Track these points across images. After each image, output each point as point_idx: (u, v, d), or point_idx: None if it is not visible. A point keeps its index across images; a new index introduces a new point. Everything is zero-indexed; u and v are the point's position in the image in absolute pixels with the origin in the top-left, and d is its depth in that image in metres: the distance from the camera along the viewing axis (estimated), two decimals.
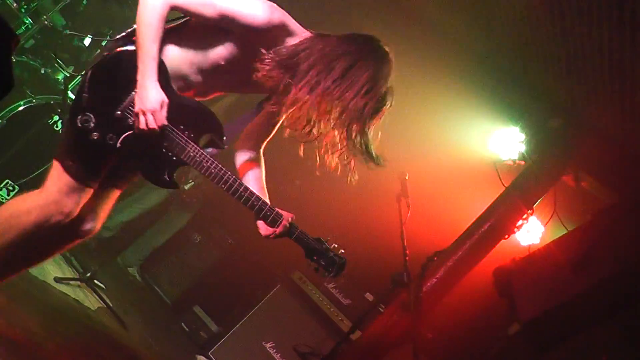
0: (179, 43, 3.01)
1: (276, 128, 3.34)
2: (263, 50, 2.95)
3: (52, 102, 4.91)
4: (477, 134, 5.75)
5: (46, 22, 5.05)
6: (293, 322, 5.88)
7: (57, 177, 3.01)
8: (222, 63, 3.01)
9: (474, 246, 5.39)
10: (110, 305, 5.06)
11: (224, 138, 3.08)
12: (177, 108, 2.96)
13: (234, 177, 3.07)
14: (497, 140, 5.69)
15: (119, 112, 2.91)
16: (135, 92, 2.87)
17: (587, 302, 4.54)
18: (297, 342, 5.76)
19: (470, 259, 5.40)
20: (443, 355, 5.95)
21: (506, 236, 5.44)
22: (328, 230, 6.25)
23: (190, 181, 6.50)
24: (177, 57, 3.00)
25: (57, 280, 4.78)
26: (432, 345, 5.59)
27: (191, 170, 6.51)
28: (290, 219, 3.19)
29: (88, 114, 2.90)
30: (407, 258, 4.76)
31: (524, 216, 5.39)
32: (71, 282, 4.92)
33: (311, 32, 3.09)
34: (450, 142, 5.83)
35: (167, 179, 3.04)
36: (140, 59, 2.84)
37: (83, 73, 3.04)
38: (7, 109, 4.79)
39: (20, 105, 4.82)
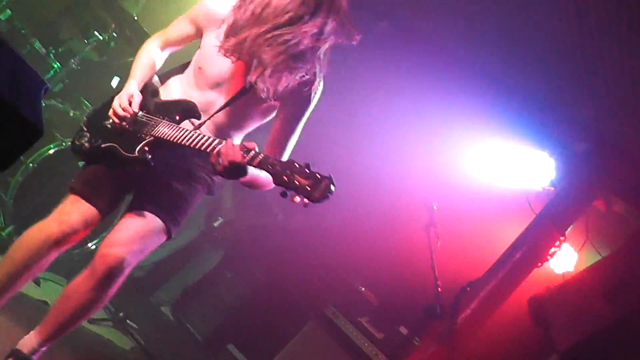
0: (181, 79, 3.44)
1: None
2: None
3: None
4: (506, 161, 5.70)
5: (74, 66, 5.14)
6: (327, 357, 5.82)
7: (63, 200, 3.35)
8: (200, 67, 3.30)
9: (507, 275, 5.32)
10: (143, 344, 5.06)
11: (198, 111, 3.23)
12: (158, 105, 3.30)
13: (193, 132, 3.00)
14: (526, 167, 5.64)
15: (106, 123, 3.30)
16: None
17: (623, 331, 4.46)
18: None
19: (504, 289, 5.33)
20: None
21: (539, 264, 5.37)
22: (358, 264, 6.28)
23: (220, 218, 6.52)
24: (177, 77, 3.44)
25: (91, 321, 4.80)
26: None
27: (222, 208, 6.55)
28: (251, 145, 2.74)
29: (84, 132, 3.36)
30: (439, 289, 4.72)
31: (557, 243, 5.32)
32: (104, 323, 4.94)
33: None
34: (478, 169, 5.79)
35: (136, 155, 3.11)
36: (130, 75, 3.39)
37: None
38: (38, 153, 4.86)
39: (50, 149, 4.90)
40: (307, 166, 2.53)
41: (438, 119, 5.64)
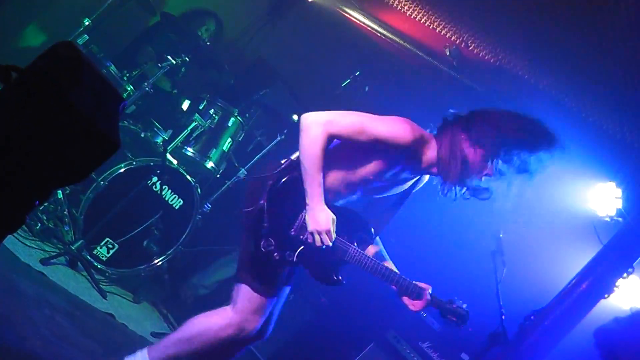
0: (332, 165, 3.50)
1: None
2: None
3: (151, 164, 5.10)
4: (573, 190, 5.61)
5: (147, 89, 5.27)
6: None
7: (249, 299, 3.51)
8: (370, 178, 3.51)
9: (573, 305, 5.21)
10: None
11: (372, 231, 3.65)
12: (336, 217, 3.46)
13: (382, 265, 3.60)
14: (594, 197, 5.54)
15: (292, 232, 3.45)
16: (304, 212, 3.40)
17: None
18: None
19: (569, 319, 5.21)
20: None
21: (606, 296, 5.25)
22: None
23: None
24: (332, 176, 3.51)
25: (154, 335, 4.89)
26: None
27: None
28: (429, 291, 3.71)
29: (270, 239, 3.43)
30: (503, 317, 4.66)
31: (624, 275, 5.20)
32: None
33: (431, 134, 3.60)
34: (545, 198, 5.71)
35: (336, 278, 3.62)
36: (309, 185, 3.36)
37: (258, 206, 3.48)
38: (109, 171, 5.00)
39: (121, 168, 5.04)
40: (458, 306, 3.85)
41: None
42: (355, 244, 3.54)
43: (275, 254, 3.43)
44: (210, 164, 5.62)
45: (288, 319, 6.60)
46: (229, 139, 5.71)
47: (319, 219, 3.34)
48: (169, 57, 5.27)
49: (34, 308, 3.74)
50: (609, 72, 4.71)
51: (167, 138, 5.50)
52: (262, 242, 3.43)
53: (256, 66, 6.55)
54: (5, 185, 1.53)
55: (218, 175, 5.81)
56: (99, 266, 5.00)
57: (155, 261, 5.28)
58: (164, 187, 5.19)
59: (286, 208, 3.48)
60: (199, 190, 5.38)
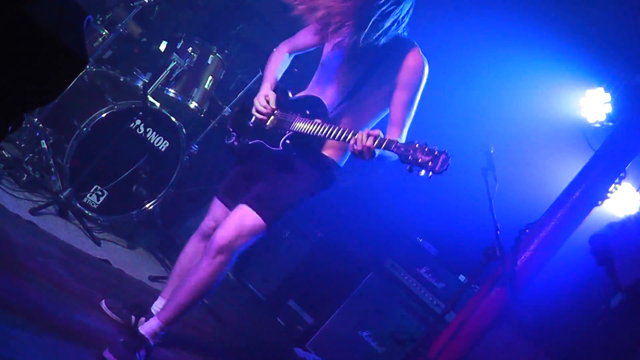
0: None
1: None
2: None
3: (133, 106, 5.02)
4: (562, 99, 5.58)
5: (121, 31, 5.16)
6: (387, 309, 5.82)
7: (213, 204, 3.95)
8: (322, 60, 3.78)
9: (567, 215, 5.22)
10: (206, 302, 5.12)
11: (323, 103, 3.58)
12: (289, 103, 3.74)
13: (326, 124, 3.39)
14: (583, 104, 5.50)
15: (251, 124, 3.82)
16: None
17: None
18: (393, 329, 5.70)
19: (564, 229, 5.23)
20: (542, 332, 5.79)
21: (599, 202, 5.25)
22: (415, 214, 6.24)
23: None
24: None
25: (152, 279, 4.89)
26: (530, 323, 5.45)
27: None
28: (375, 133, 3.15)
29: (232, 133, 3.90)
30: (498, 232, 4.66)
31: (617, 180, 5.19)
32: (164, 281, 5.00)
33: None
34: (533, 108, 5.69)
35: (280, 148, 3.52)
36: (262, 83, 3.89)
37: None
38: (91, 117, 4.92)
39: (102, 113, 4.95)
40: (425, 144, 2.97)
41: (491, 58, 5.54)
42: (306, 113, 3.58)
43: (235, 142, 3.83)
44: (193, 104, 5.55)
45: (285, 256, 6.64)
46: (210, 77, 5.62)
47: (260, 91, 3.80)
48: None
49: (27, 257, 3.71)
50: None
51: (147, 81, 5.40)
52: (225, 137, 3.90)
53: (231, 1, 6.42)
54: None
55: (202, 115, 5.75)
56: (90, 214, 4.95)
57: (147, 205, 5.24)
58: (147, 129, 5.12)
59: (247, 112, 3.87)
60: (184, 131, 5.31)
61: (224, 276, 3.59)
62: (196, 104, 5.55)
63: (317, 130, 3.38)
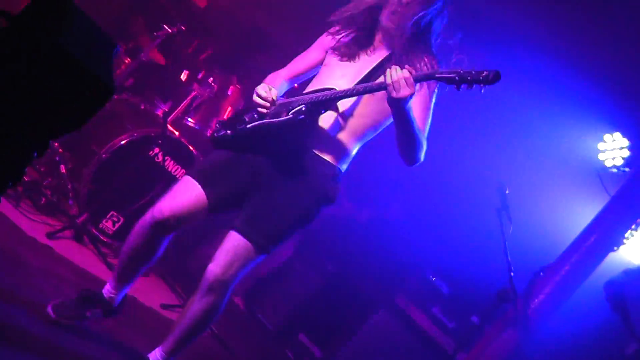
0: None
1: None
2: None
3: (152, 134, 5.06)
4: (579, 142, 5.58)
5: (144, 60, 5.23)
6: (397, 346, 5.78)
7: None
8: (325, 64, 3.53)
9: (582, 260, 5.20)
10: (215, 332, 5.11)
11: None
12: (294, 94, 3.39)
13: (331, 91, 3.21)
14: (601, 148, 5.51)
15: (245, 116, 3.39)
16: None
17: None
18: None
19: (579, 274, 5.21)
20: None
21: (615, 248, 5.24)
22: (429, 252, 6.22)
23: None
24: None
25: (164, 307, 4.88)
26: None
27: None
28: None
29: (223, 124, 3.45)
30: (512, 274, 4.65)
31: (633, 226, 5.18)
32: (177, 309, 5.01)
33: None
34: (550, 150, 5.69)
35: (289, 116, 3.22)
36: None
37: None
38: (111, 144, 4.96)
39: (122, 140, 4.99)
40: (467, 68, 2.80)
41: (509, 97, 5.56)
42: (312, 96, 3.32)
43: (228, 132, 3.38)
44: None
45: (296, 287, 6.62)
46: (229, 108, 5.67)
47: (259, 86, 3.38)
48: (165, 26, 5.22)
49: (41, 280, 3.73)
50: (612, 22, 4.65)
51: (167, 109, 5.45)
52: (214, 132, 3.45)
53: (251, 33, 6.50)
54: (2, 134, 1.49)
55: None
56: (105, 240, 4.98)
57: None
58: (166, 157, 5.15)
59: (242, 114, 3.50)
60: (200, 159, 5.35)
61: (225, 306, 3.40)
62: None
63: (335, 94, 3.17)
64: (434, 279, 6.09)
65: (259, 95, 3.29)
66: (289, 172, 3.29)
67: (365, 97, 3.27)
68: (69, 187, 4.99)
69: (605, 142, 5.50)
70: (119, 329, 3.88)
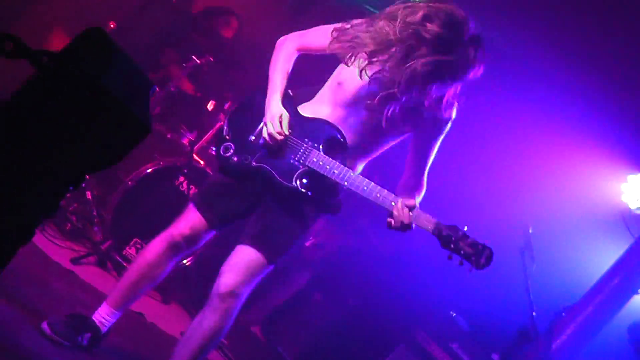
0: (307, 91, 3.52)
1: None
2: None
3: (178, 164, 5.11)
4: (603, 183, 5.56)
5: (172, 89, 5.30)
6: None
7: (186, 211, 3.59)
8: (339, 82, 3.36)
9: (605, 302, 5.16)
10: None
11: (344, 136, 3.28)
12: (301, 125, 3.33)
13: (356, 176, 3.18)
14: (625, 189, 5.48)
15: (252, 137, 3.40)
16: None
17: None
18: None
19: (602, 316, 5.16)
20: None
21: (639, 291, 5.19)
22: (450, 288, 6.20)
23: (311, 238, 6.55)
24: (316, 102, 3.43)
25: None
26: None
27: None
28: (411, 204, 3.09)
29: (229, 144, 3.42)
30: (533, 314, 4.62)
31: None
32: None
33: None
34: (573, 190, 5.67)
35: (294, 185, 3.24)
36: (269, 86, 3.41)
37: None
38: (136, 172, 5.02)
39: (148, 168, 5.05)
40: (468, 235, 2.99)
41: (534, 139, 5.56)
42: (321, 148, 3.26)
43: (234, 158, 3.38)
44: None
45: (316, 320, 6.60)
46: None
47: (269, 108, 3.32)
48: (194, 57, 5.30)
49: (66, 306, 3.77)
50: (637, 65, 4.66)
51: (193, 139, 5.51)
52: (221, 148, 3.43)
53: None
54: (40, 171, 1.53)
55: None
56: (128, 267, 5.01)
57: (184, 261, 5.28)
58: (190, 186, 5.19)
59: (248, 119, 3.47)
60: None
61: (233, 321, 3.41)
62: None
63: (339, 174, 3.16)
64: (454, 314, 6.06)
65: (270, 134, 3.27)
66: (298, 204, 3.37)
67: (388, 128, 3.24)
68: (94, 213, 5.05)
69: (629, 182, 5.47)
70: (138, 354, 3.90)
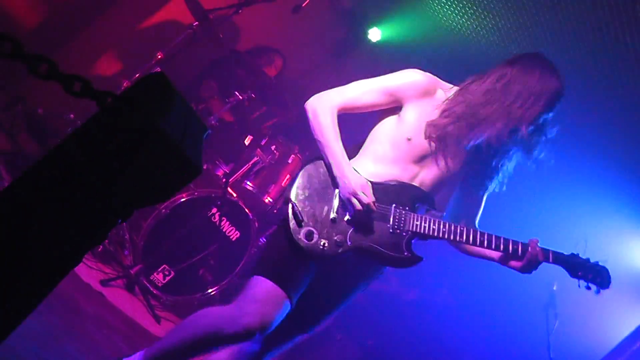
0: (367, 151, 3.25)
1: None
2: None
3: (212, 195, 5.21)
4: (628, 244, 5.57)
5: (213, 122, 5.43)
6: None
7: (262, 289, 2.97)
8: (409, 138, 3.13)
9: None
10: None
11: (434, 202, 3.15)
12: (381, 191, 3.09)
13: (467, 227, 3.09)
14: None
15: (334, 215, 3.05)
16: (338, 187, 3.06)
17: None
18: None
19: None
20: None
21: None
22: (470, 340, 6.20)
23: None
24: (371, 164, 3.18)
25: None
26: None
27: None
28: (537, 243, 3.11)
29: (310, 229, 3.00)
30: None
31: None
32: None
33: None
34: (599, 250, 5.67)
35: (408, 254, 3.05)
36: (331, 156, 3.05)
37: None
38: (171, 200, 5.13)
39: (182, 197, 5.16)
40: (588, 260, 3.15)
41: (560, 195, 5.59)
42: (416, 209, 3.10)
43: (322, 243, 2.99)
44: (268, 199, 5.72)
45: (332, 357, 6.61)
46: (288, 176, 5.81)
47: (349, 181, 3.00)
48: (236, 92, 5.43)
49: (94, 326, 3.86)
50: None
51: (227, 171, 5.62)
52: (300, 234, 2.98)
53: None
54: (94, 203, 1.62)
55: (275, 211, 5.90)
56: (154, 292, 5.10)
57: (210, 290, 5.36)
58: (222, 218, 5.29)
59: (317, 195, 3.08)
60: (256, 224, 5.47)
61: None
62: (270, 199, 5.73)
63: (451, 232, 3.04)
64: None
65: (363, 204, 3.01)
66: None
67: (442, 185, 3.22)
68: (126, 237, 5.16)
69: None
70: None
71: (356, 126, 3.40)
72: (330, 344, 6.66)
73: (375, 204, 3.03)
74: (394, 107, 3.21)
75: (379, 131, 3.24)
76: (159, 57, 5.29)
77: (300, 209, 3.02)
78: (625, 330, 5.30)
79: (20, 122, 5.45)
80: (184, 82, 6.21)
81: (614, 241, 5.65)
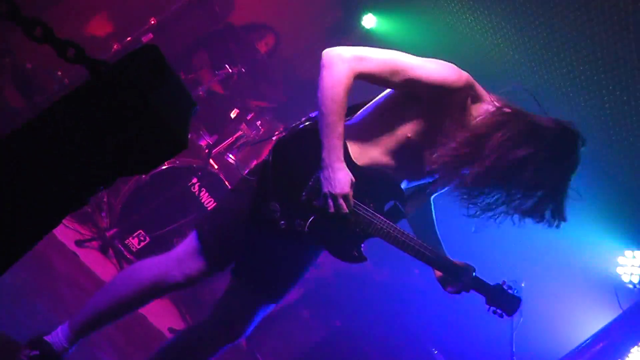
0: (363, 124, 2.95)
1: None
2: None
3: (194, 165, 5.23)
4: (601, 253, 5.67)
5: (200, 93, 5.43)
6: None
7: (189, 241, 2.98)
8: (408, 136, 2.82)
9: None
10: None
11: (405, 205, 2.95)
12: (360, 180, 2.79)
13: (419, 242, 2.89)
14: (620, 262, 5.60)
15: (304, 196, 2.78)
16: (319, 171, 2.74)
17: None
18: None
19: None
20: None
21: None
22: (435, 326, 6.27)
23: None
24: (361, 145, 2.89)
25: (171, 330, 4.99)
26: None
27: None
28: (473, 273, 3.08)
29: (274, 203, 2.75)
30: None
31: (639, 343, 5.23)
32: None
33: (499, 100, 2.81)
34: (572, 254, 5.77)
35: (356, 254, 2.89)
36: (327, 136, 2.70)
37: (262, 163, 2.92)
38: None
39: (164, 165, 5.17)
40: (506, 288, 3.17)
41: None
42: (384, 214, 2.88)
43: (281, 222, 2.74)
44: None
45: (300, 335, 6.66)
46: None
47: (335, 179, 2.69)
48: (227, 65, 5.43)
49: (65, 286, 3.88)
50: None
51: (211, 142, 5.63)
52: (263, 208, 2.74)
53: (307, 86, 6.69)
54: (79, 169, 1.64)
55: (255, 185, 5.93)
56: (128, 256, 5.12)
57: None
58: (202, 189, 5.31)
59: (297, 167, 2.81)
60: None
61: None
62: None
63: (404, 243, 2.87)
64: (435, 351, 6.13)
65: (341, 210, 2.74)
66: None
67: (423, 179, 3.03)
68: (104, 200, 5.17)
69: (625, 257, 5.58)
70: (126, 346, 3.99)
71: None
72: (295, 320, 6.71)
73: (351, 200, 2.76)
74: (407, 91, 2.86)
75: (384, 116, 2.90)
76: (152, 22, 5.27)
77: (272, 177, 2.78)
78: (588, 332, 5.40)
79: (7, 76, 5.42)
80: (175, 50, 6.19)
81: (592, 245, 5.74)
